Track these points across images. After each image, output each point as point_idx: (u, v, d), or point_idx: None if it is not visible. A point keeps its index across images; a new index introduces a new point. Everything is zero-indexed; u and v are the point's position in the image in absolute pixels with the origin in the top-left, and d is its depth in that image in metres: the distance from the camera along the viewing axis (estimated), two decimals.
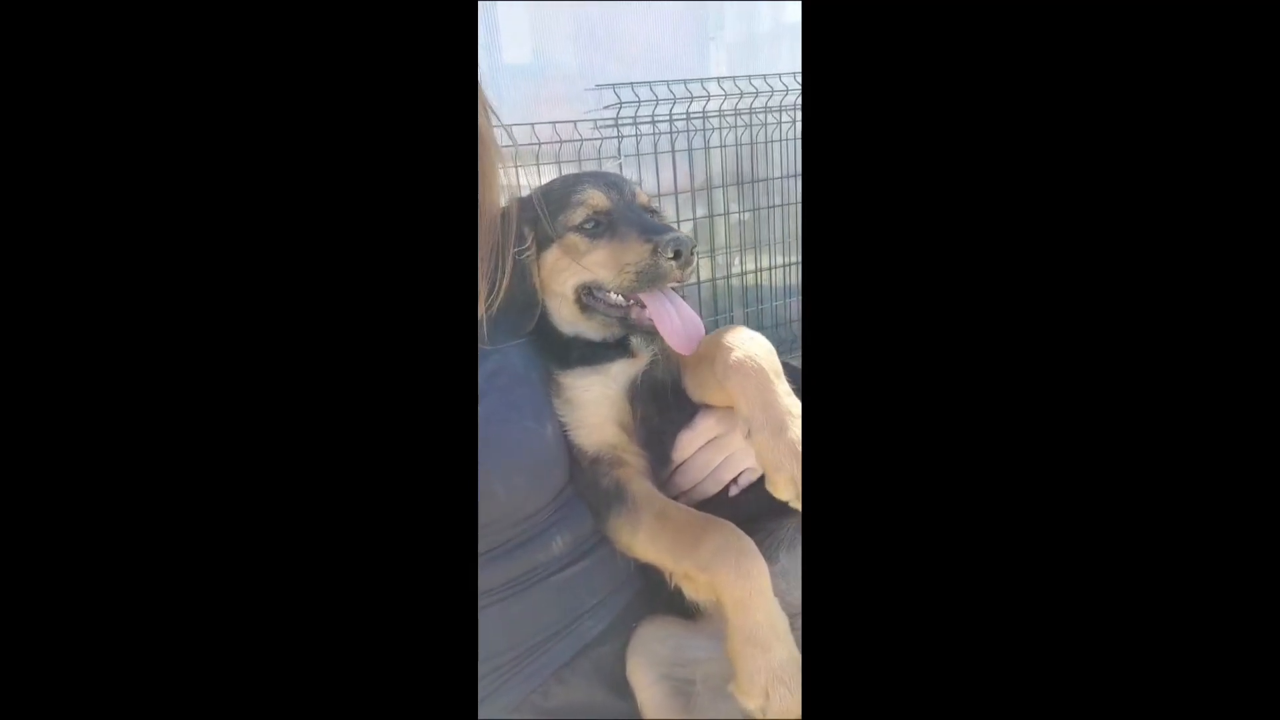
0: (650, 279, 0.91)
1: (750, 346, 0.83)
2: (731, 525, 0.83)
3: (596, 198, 0.98)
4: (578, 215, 0.97)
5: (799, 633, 0.72)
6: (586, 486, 0.96)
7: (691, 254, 0.91)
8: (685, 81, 2.17)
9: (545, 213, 0.99)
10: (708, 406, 0.96)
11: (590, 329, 1.00)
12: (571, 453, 0.97)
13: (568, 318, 1.01)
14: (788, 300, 2.47)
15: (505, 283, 0.97)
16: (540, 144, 2.02)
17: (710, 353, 0.87)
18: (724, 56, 2.34)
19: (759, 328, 0.92)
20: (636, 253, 0.91)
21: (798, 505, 0.73)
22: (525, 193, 1.08)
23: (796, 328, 2.41)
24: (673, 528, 0.86)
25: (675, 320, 0.90)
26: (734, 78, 2.23)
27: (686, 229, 2.13)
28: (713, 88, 2.21)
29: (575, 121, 2.11)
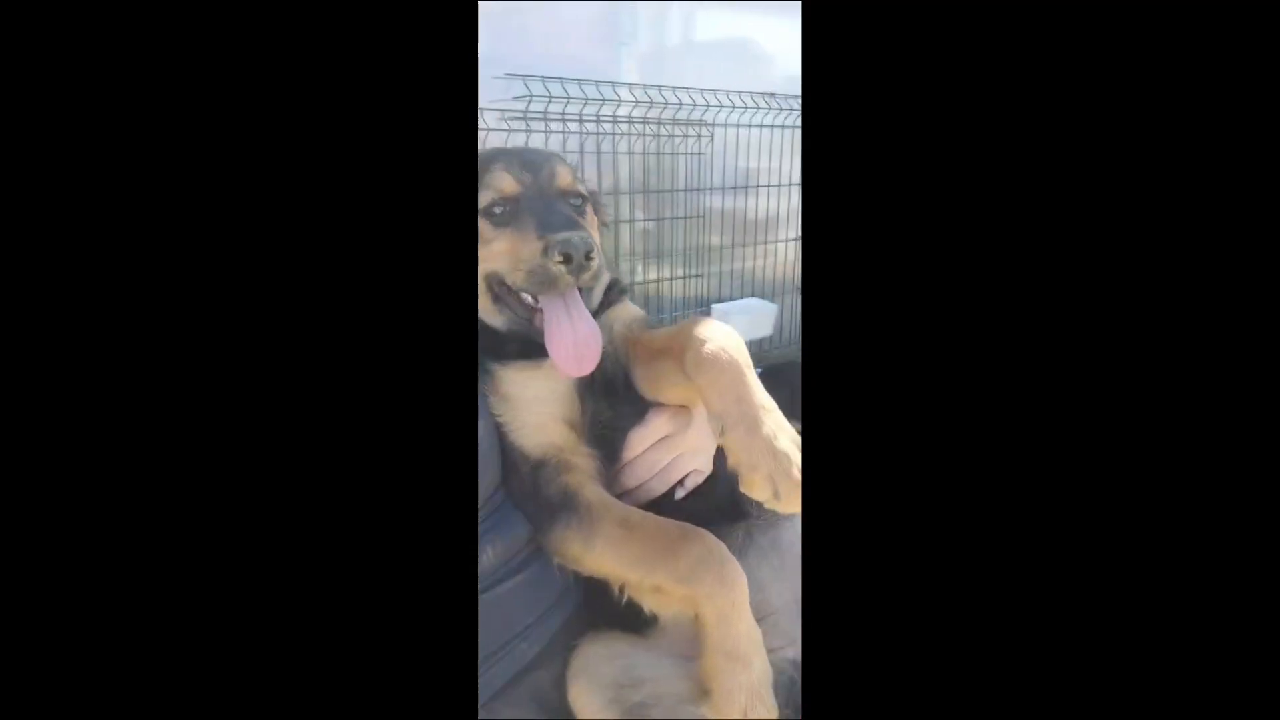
0: (540, 281, 0.81)
1: (722, 339, 0.78)
2: (707, 533, 0.78)
3: (503, 180, 0.88)
4: (484, 198, 0.88)
5: (799, 632, 0.68)
6: (525, 494, 0.86)
7: (587, 259, 0.80)
8: (598, 83, 2.13)
9: None
10: (659, 404, 0.90)
11: (506, 324, 0.91)
12: (507, 456, 0.87)
13: (482, 308, 0.91)
14: (686, 311, 2.49)
15: None
16: None
17: (673, 346, 0.81)
18: (634, 65, 2.32)
19: None
20: (529, 249, 0.82)
21: (776, 506, 0.70)
22: None
23: None
24: (641, 537, 0.79)
25: (567, 337, 0.80)
26: (645, 86, 2.22)
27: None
28: (624, 93, 2.19)
29: (481, 109, 1.99)
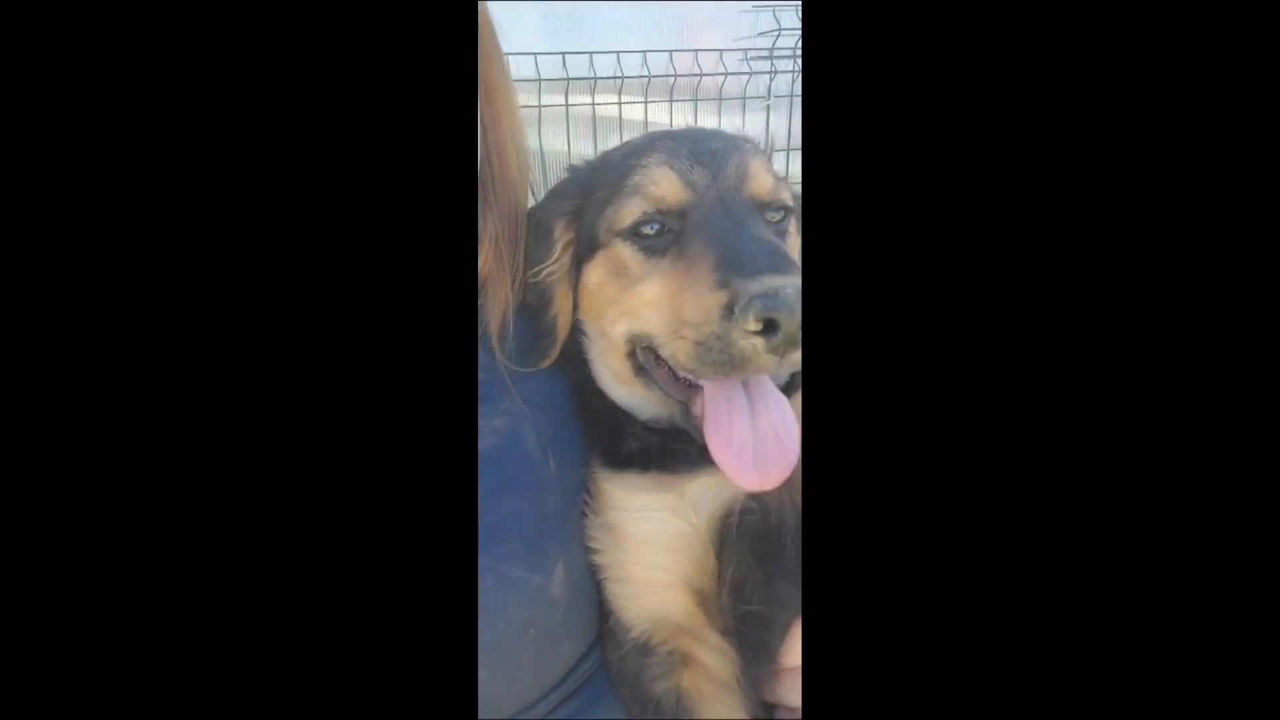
0: (718, 361, 0.49)
1: None
2: None
3: (665, 182, 0.57)
4: (630, 211, 0.58)
5: None
6: (625, 676, 0.61)
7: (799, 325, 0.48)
8: None
9: (593, 196, 0.61)
10: None
11: (647, 405, 0.63)
12: (605, 614, 0.62)
13: (617, 374, 0.63)
14: None
15: (509, 304, 0.63)
16: (676, 76, 1.71)
17: None
18: None
19: None
20: (700, 305, 0.51)
21: None
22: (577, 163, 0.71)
23: None
24: None
25: (743, 428, 0.51)
26: None
27: None
28: None
29: (721, 51, 1.77)
